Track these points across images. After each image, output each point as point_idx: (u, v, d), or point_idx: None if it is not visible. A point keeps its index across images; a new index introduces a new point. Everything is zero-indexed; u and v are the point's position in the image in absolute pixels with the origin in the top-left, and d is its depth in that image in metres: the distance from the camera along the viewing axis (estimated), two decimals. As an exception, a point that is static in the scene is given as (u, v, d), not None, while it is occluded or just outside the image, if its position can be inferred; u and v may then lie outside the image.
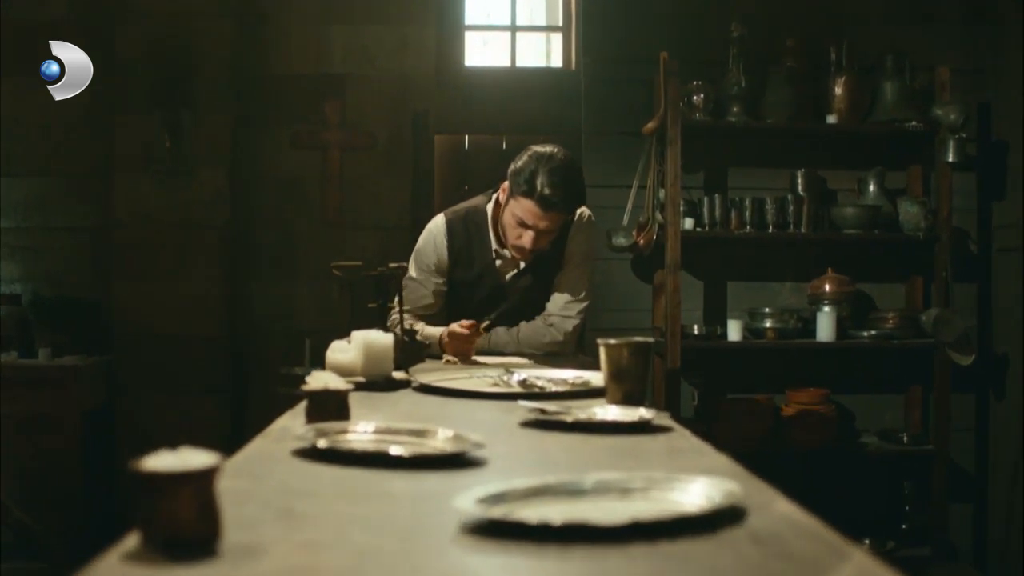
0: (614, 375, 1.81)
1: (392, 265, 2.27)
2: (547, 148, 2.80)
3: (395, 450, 1.22)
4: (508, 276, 2.98)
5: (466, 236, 2.96)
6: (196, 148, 4.53)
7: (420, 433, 1.35)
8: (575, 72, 4.99)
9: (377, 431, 1.37)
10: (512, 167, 2.82)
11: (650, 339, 1.83)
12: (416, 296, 2.94)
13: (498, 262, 2.97)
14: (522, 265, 2.96)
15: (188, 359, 4.47)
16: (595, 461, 1.29)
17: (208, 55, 4.56)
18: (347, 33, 4.89)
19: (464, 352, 2.72)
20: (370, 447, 1.28)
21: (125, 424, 4.46)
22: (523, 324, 2.94)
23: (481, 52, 5.41)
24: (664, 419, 1.53)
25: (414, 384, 2.03)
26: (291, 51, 4.85)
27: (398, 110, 4.84)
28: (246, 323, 4.75)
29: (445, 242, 2.95)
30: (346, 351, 2.04)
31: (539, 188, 2.72)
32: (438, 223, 3.00)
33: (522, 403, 1.65)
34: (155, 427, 4.40)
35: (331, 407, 1.54)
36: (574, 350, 3.01)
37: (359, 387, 1.97)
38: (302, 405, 1.59)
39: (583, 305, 2.96)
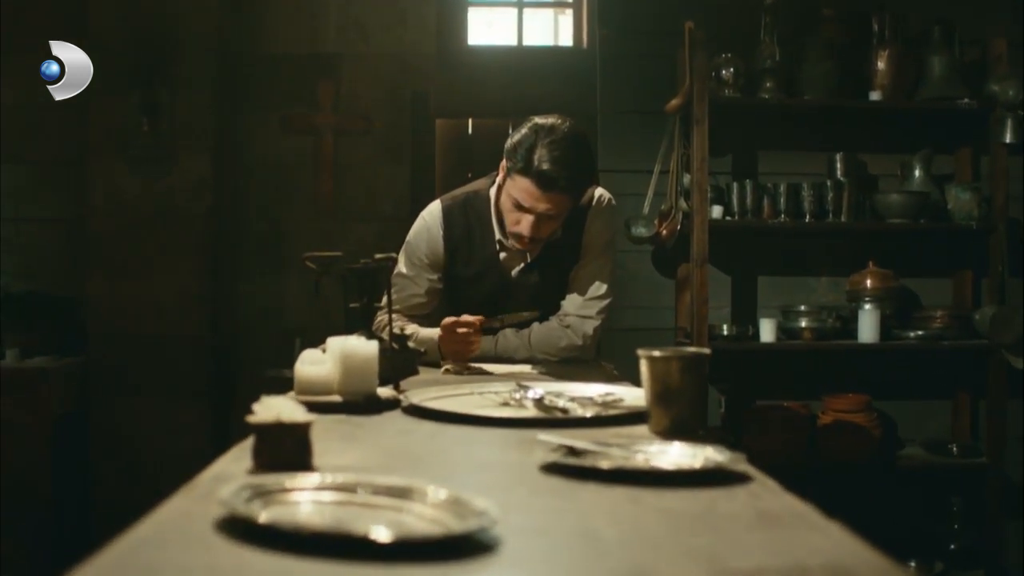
0: (660, 396, 1.40)
1: (378, 256, 1.87)
2: (550, 119, 2.40)
3: (365, 529, 0.82)
4: (514, 271, 2.58)
5: (466, 225, 2.57)
6: (177, 132, 4.30)
7: (403, 493, 0.95)
8: (587, 50, 4.77)
9: (343, 488, 0.97)
10: (509, 141, 2.43)
11: (706, 351, 1.43)
12: (406, 295, 2.56)
13: (502, 255, 2.57)
14: (530, 258, 2.56)
15: (168, 360, 4.26)
16: (658, 541, 0.88)
17: (190, 30, 4.31)
18: (341, 8, 4.69)
19: (463, 354, 2.33)
20: (329, 521, 0.88)
21: (100, 431, 4.23)
22: (535, 326, 2.54)
23: (486, 34, 5.15)
24: (739, 462, 1.13)
25: (404, 403, 1.63)
26: (281, 27, 4.65)
27: (396, 92, 4.64)
28: (231, 321, 4.53)
29: (441, 232, 2.57)
30: (320, 363, 1.64)
31: (537, 164, 2.33)
32: (433, 211, 2.62)
33: (542, 437, 1.25)
34: (133, 435, 4.21)
35: (286, 446, 1.14)
36: (594, 356, 2.60)
37: (335, 409, 1.58)
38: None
39: (604, 303, 2.56)
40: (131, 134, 4.24)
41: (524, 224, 2.40)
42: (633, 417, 1.51)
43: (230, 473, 1.13)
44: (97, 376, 4.22)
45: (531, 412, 1.60)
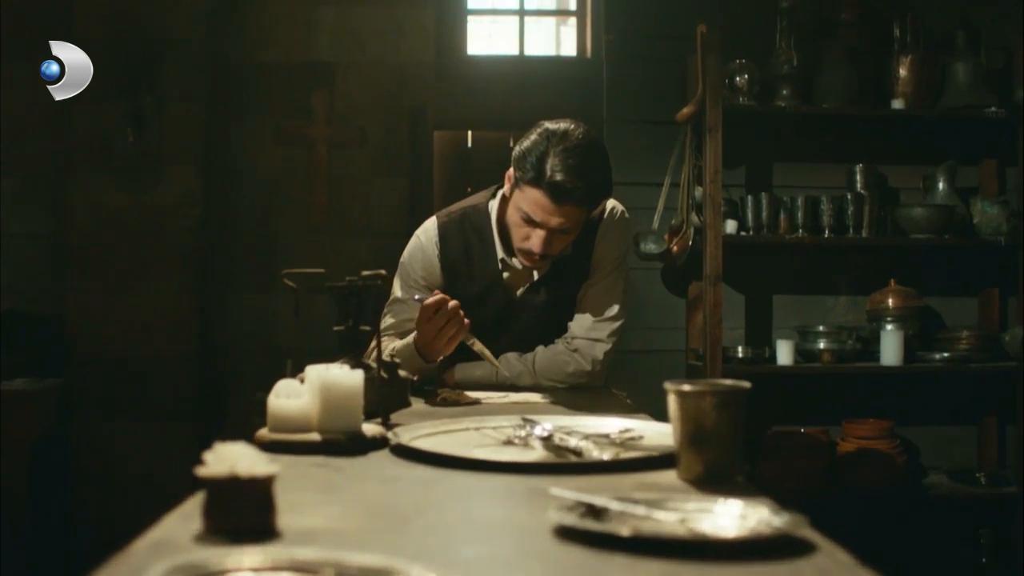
0: (692, 438, 1.19)
1: (365, 274, 1.66)
2: (562, 124, 2.19)
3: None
4: (519, 291, 2.37)
5: (464, 243, 2.37)
6: (164, 142, 4.14)
7: (381, 578, 0.74)
8: (591, 60, 4.66)
9: (305, 569, 0.76)
10: (517, 149, 2.21)
11: (745, 384, 1.22)
12: (401, 320, 2.35)
13: (506, 274, 2.36)
14: (536, 276, 2.35)
15: (154, 381, 4.09)
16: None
17: (179, 37, 4.16)
18: (336, 16, 4.54)
19: (440, 348, 2.11)
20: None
21: (82, 456, 4.06)
22: (540, 349, 2.33)
23: (486, 46, 5.00)
24: (801, 526, 0.92)
25: (392, 442, 1.42)
26: (273, 35, 4.49)
27: (393, 103, 4.49)
28: (220, 340, 4.36)
29: (436, 251, 2.36)
30: (297, 395, 1.43)
31: (549, 174, 2.11)
32: (428, 228, 2.41)
33: (555, 491, 1.04)
34: (116, 459, 4.05)
35: (243, 505, 0.94)
36: (604, 382, 2.39)
37: (312, 449, 1.37)
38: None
39: (616, 325, 2.35)
40: (116, 145, 4.09)
41: (534, 240, 2.19)
42: (659, 461, 1.29)
43: (173, 539, 0.92)
44: (79, 398, 4.06)
45: (538, 453, 1.40)
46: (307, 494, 1.13)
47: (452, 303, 2.09)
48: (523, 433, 1.49)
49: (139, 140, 4.11)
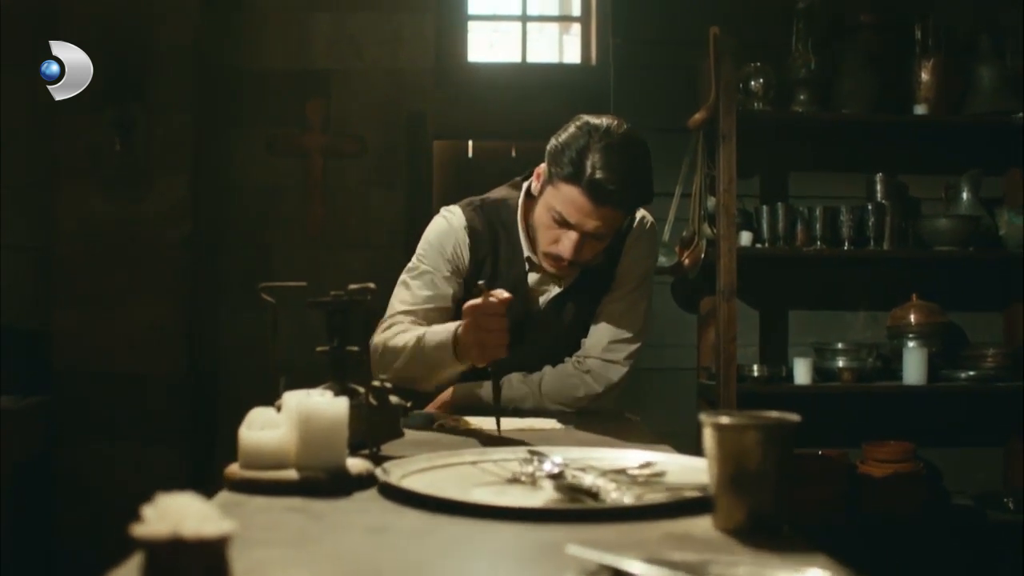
0: (733, 480, 1.02)
1: (352, 287, 1.49)
2: (603, 119, 2.02)
3: None
4: (542, 299, 2.19)
5: (491, 238, 2.18)
6: (153, 152, 4.02)
7: None
8: (597, 67, 4.54)
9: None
10: (553, 142, 2.04)
11: (794, 417, 1.05)
12: (426, 297, 2.12)
13: (532, 275, 2.19)
14: (561, 286, 2.19)
15: (142, 400, 3.96)
16: None
17: (169, 42, 4.04)
18: (332, 22, 4.42)
19: (494, 348, 1.79)
20: None
21: (66, 478, 3.94)
22: (547, 370, 2.15)
23: (488, 54, 4.91)
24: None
25: (380, 479, 1.24)
26: (267, 42, 4.39)
27: (391, 111, 4.39)
28: (211, 357, 4.23)
29: (467, 239, 2.16)
30: (272, 426, 1.25)
31: (589, 171, 1.95)
32: (456, 213, 2.20)
33: (572, 550, 0.86)
34: (102, 481, 3.91)
35: (191, 571, 0.76)
36: (616, 405, 2.22)
37: (288, 489, 1.19)
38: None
39: (634, 348, 2.17)
40: (103, 154, 3.96)
41: (564, 244, 2.02)
42: (690, 505, 1.11)
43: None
44: (63, 417, 3.93)
45: (548, 494, 1.21)
46: (274, 550, 0.95)
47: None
48: (530, 469, 1.31)
49: (127, 149, 3.98)
